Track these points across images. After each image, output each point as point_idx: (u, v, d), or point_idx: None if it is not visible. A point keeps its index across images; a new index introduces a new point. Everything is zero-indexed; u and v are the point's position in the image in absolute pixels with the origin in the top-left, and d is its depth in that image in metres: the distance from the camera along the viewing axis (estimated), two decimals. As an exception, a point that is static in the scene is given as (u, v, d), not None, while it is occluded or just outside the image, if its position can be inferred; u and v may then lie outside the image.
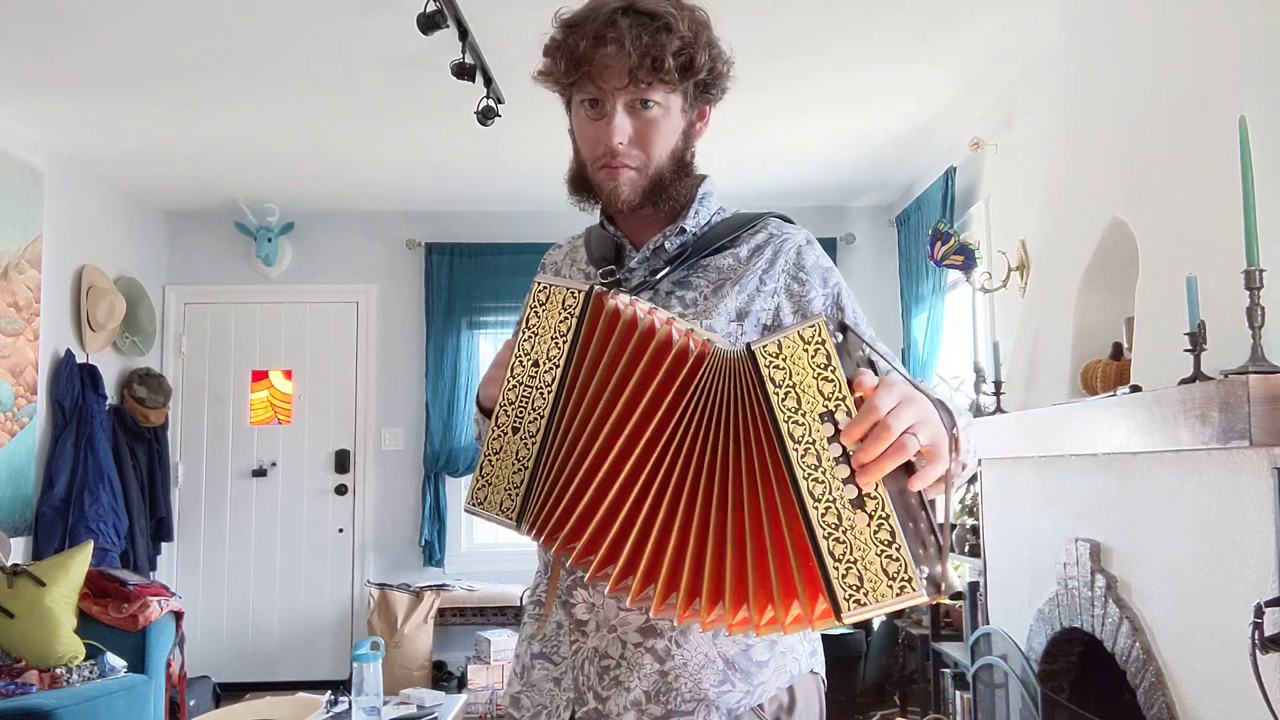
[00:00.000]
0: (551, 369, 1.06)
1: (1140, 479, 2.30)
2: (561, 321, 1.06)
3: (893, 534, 0.87)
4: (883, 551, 0.87)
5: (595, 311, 1.05)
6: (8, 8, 3.12)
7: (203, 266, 5.58)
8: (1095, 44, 2.80)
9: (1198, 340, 1.93)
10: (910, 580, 0.86)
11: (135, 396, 5.01)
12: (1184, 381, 1.91)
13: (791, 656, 1.20)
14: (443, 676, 5.08)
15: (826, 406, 0.90)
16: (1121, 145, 2.58)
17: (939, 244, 3.82)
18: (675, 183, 1.23)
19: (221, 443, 5.49)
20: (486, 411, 1.20)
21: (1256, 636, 1.75)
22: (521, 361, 1.07)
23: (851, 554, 0.88)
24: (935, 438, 0.92)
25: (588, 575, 1.01)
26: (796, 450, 0.91)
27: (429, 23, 3.03)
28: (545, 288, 1.08)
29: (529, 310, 1.08)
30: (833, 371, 0.91)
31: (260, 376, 5.56)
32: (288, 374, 5.56)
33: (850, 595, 0.87)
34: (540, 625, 1.23)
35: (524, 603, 1.32)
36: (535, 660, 1.22)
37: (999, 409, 3.12)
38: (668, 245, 1.25)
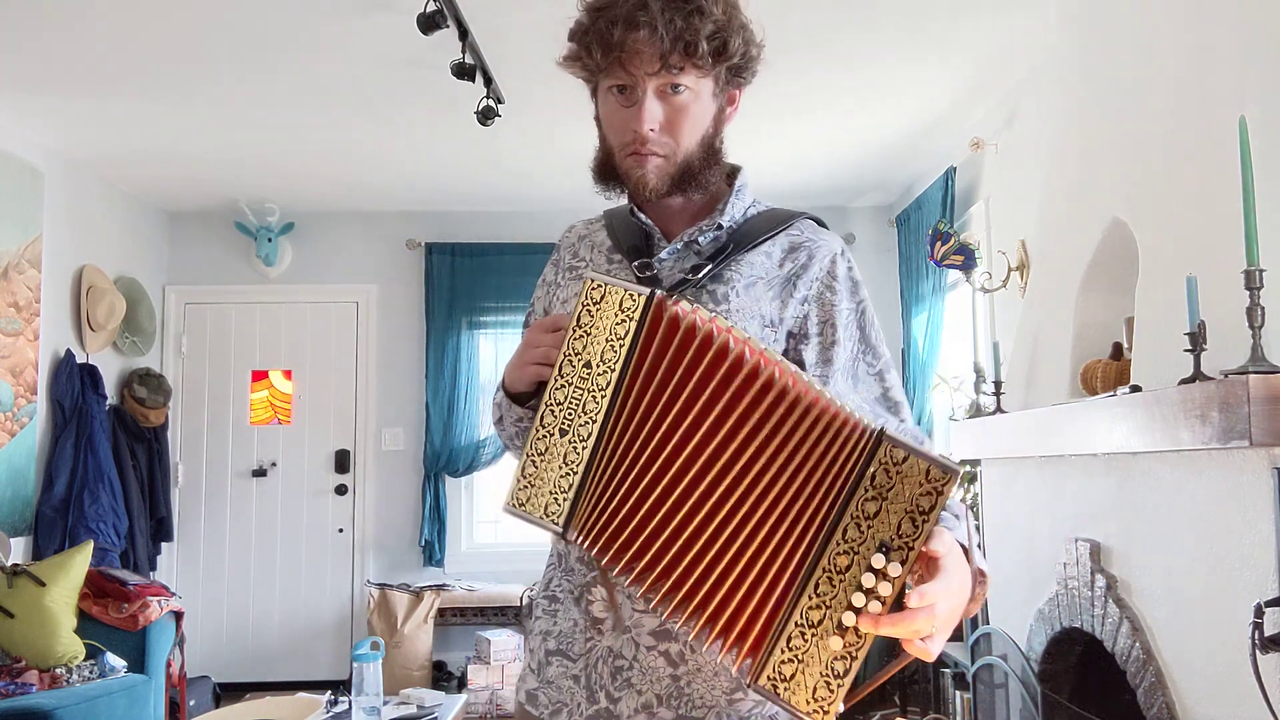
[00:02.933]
0: (606, 372, 1.02)
1: (1140, 479, 2.30)
2: (619, 324, 1.03)
3: (846, 671, 0.91)
4: (827, 676, 0.91)
5: (656, 317, 1.02)
6: (8, 7, 3.12)
7: (203, 266, 5.58)
8: (1096, 45, 2.80)
9: (1198, 340, 1.92)
10: (825, 712, 0.91)
11: (135, 396, 5.01)
12: (1184, 381, 1.91)
13: None
14: (443, 676, 5.09)
15: (892, 541, 0.90)
16: (1122, 145, 2.58)
17: (939, 244, 3.83)
18: (704, 170, 1.20)
19: (221, 443, 5.49)
20: (514, 396, 1.18)
21: (1256, 636, 1.75)
22: (571, 361, 1.03)
23: (804, 655, 0.91)
24: (952, 623, 0.93)
25: (639, 592, 0.99)
26: (839, 546, 0.92)
27: (429, 23, 3.03)
28: (600, 286, 1.04)
29: (580, 308, 1.04)
30: (924, 521, 0.90)
31: (260, 376, 5.56)
32: (288, 374, 5.56)
33: (773, 678, 0.92)
34: (562, 615, 1.22)
35: (534, 598, 1.30)
36: (551, 656, 1.20)
37: (999, 409, 3.12)
38: (701, 239, 1.23)
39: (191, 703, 4.43)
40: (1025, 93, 3.67)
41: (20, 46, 3.41)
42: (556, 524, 1.01)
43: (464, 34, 3.27)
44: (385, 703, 3.01)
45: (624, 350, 1.02)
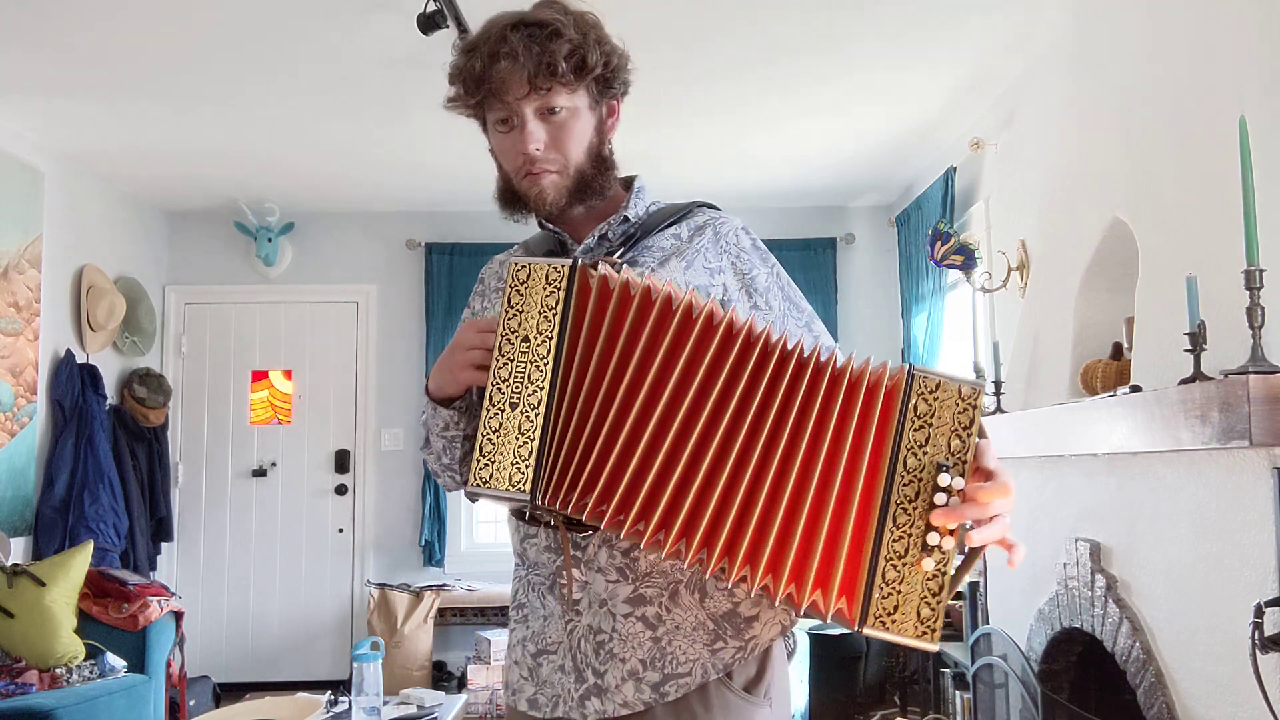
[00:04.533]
0: (545, 341, 1.06)
1: (1140, 479, 2.30)
2: (548, 295, 1.07)
3: (941, 588, 0.96)
4: (926, 598, 0.96)
5: (584, 282, 1.08)
6: (8, 7, 3.12)
7: (203, 266, 5.58)
8: (1095, 44, 2.80)
9: (1198, 340, 1.92)
10: (934, 631, 0.95)
11: (135, 396, 5.01)
12: (1184, 381, 1.91)
13: (780, 609, 1.22)
14: (443, 676, 5.09)
15: (949, 459, 0.98)
16: (1122, 145, 2.58)
17: (939, 244, 3.83)
18: (598, 178, 1.27)
19: (221, 443, 5.49)
20: (440, 401, 1.22)
21: (1256, 636, 1.75)
22: (510, 339, 1.07)
23: (901, 585, 0.96)
24: (1007, 522, 1.00)
25: (622, 534, 1.02)
26: (904, 478, 0.98)
27: (429, 23, 3.03)
28: (524, 266, 1.09)
29: (510, 290, 1.08)
30: (969, 435, 0.98)
31: (260, 376, 5.56)
32: (288, 374, 5.56)
33: (880, 615, 0.96)
34: (549, 614, 1.24)
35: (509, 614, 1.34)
36: (539, 659, 1.23)
37: (999, 409, 3.12)
38: (610, 234, 1.29)
39: (191, 703, 4.43)
40: (1025, 92, 3.66)
41: (21, 47, 3.41)
42: (522, 491, 1.02)
43: (464, 34, 3.27)
44: (385, 703, 3.01)
45: (558, 318, 1.07)
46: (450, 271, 5.50)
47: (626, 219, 1.30)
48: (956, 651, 3.67)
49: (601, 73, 1.23)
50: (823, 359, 1.02)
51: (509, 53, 1.17)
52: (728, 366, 1.02)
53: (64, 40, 3.36)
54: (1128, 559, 2.37)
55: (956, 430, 0.98)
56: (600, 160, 1.28)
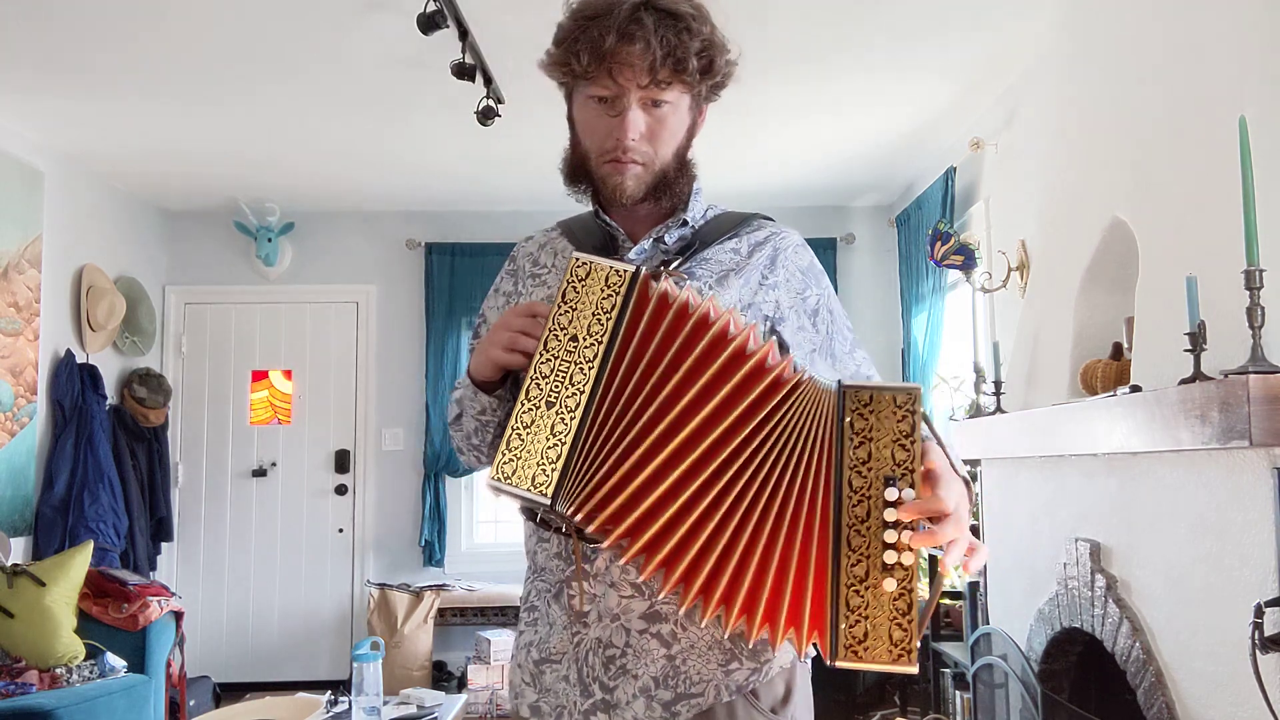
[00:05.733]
0: (593, 345, 1.03)
1: (1140, 479, 2.30)
2: (605, 298, 1.04)
3: (909, 606, 0.92)
4: (896, 619, 0.92)
5: (643, 292, 1.04)
6: (8, 7, 3.12)
7: (202, 266, 5.57)
8: (1095, 44, 2.80)
9: (1198, 340, 1.92)
10: (910, 652, 0.92)
11: (135, 396, 5.01)
12: (1184, 381, 1.91)
13: None
14: (443, 676, 5.09)
15: (894, 471, 0.94)
16: (1121, 145, 2.58)
17: (939, 244, 3.83)
18: (677, 179, 1.23)
19: (221, 443, 5.49)
20: (480, 385, 1.18)
21: (1256, 636, 1.75)
22: (557, 336, 1.03)
23: (866, 610, 0.93)
24: (966, 522, 0.97)
25: (623, 559, 1.00)
26: (851, 499, 0.95)
27: (429, 23, 3.03)
28: (585, 263, 1.06)
29: (566, 284, 1.05)
30: (911, 443, 0.95)
31: (260, 376, 5.56)
32: (288, 374, 5.56)
33: (850, 645, 0.92)
34: (554, 622, 1.22)
35: (519, 610, 1.32)
36: (541, 666, 1.21)
37: (999, 409, 3.12)
38: (668, 238, 1.26)
39: (191, 703, 4.43)
40: (1025, 92, 3.66)
41: (21, 47, 3.41)
42: (544, 494, 0.99)
43: (464, 34, 3.27)
44: (385, 703, 3.01)
45: (611, 323, 1.03)
46: (450, 271, 5.50)
47: (685, 223, 1.26)
48: (956, 651, 3.67)
49: (719, 79, 1.20)
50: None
51: (643, 35, 1.11)
52: (759, 416, 1.00)
53: (64, 40, 3.36)
54: (1127, 559, 2.37)
55: (899, 440, 0.95)
56: (683, 163, 1.24)
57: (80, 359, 4.64)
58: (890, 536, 0.93)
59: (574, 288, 1.05)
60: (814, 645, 0.97)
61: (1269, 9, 1.98)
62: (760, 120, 4.18)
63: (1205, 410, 1.80)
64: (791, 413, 0.99)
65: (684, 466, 0.99)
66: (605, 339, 1.03)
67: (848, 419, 0.96)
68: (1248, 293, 1.77)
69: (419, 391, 5.50)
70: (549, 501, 0.99)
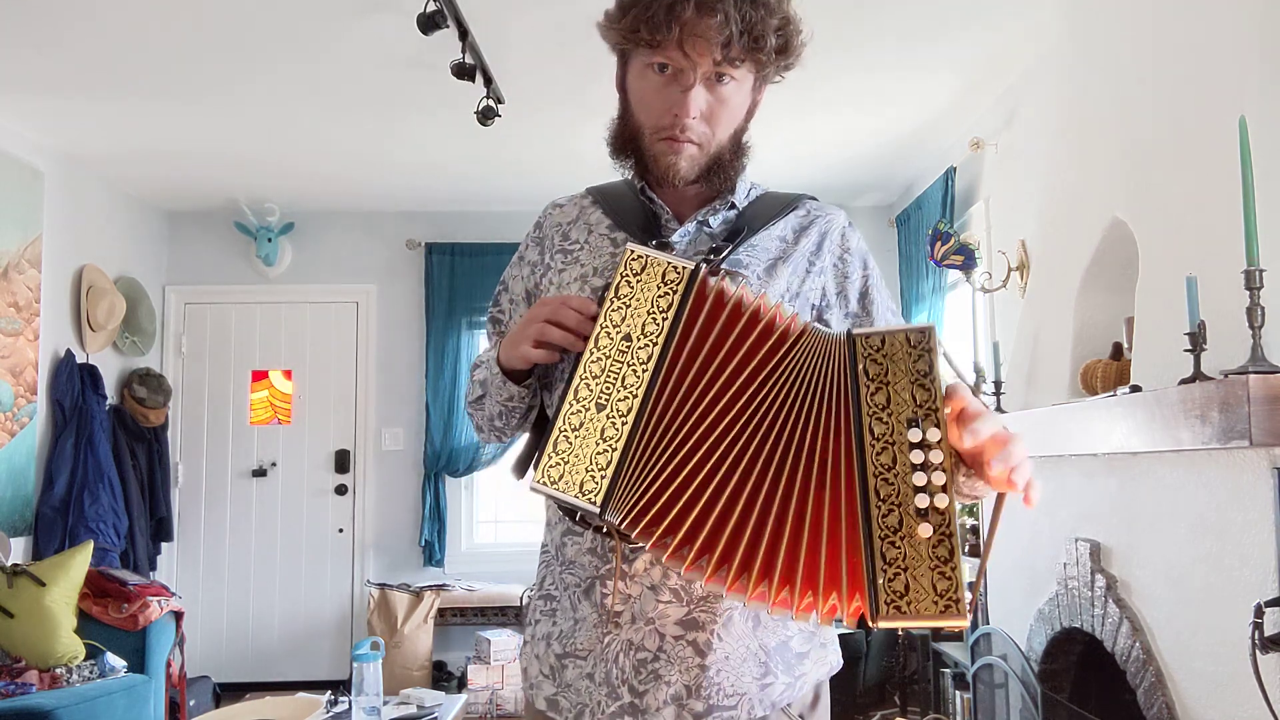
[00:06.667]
0: (648, 346, 0.98)
1: (1140, 479, 2.30)
2: (661, 296, 0.99)
3: (950, 552, 0.86)
4: (936, 567, 0.86)
5: (701, 291, 1.00)
6: (7, 7, 3.12)
7: (203, 266, 5.57)
8: (1095, 44, 2.80)
9: (1198, 340, 1.92)
10: (957, 602, 0.85)
11: (135, 396, 5.01)
12: (1184, 381, 1.91)
13: (832, 648, 1.20)
14: (443, 676, 5.08)
15: (916, 413, 0.90)
16: (1121, 145, 2.58)
17: (939, 244, 3.83)
18: (733, 163, 1.19)
19: (221, 443, 5.49)
20: (512, 375, 1.15)
21: (1256, 636, 1.75)
22: (609, 334, 0.99)
23: (904, 561, 0.87)
24: (1019, 446, 0.92)
25: (684, 568, 0.95)
26: (874, 447, 0.90)
27: (429, 23, 3.03)
28: (640, 257, 1.01)
29: (620, 279, 1.00)
30: (930, 381, 0.90)
31: (260, 376, 5.56)
32: (288, 374, 5.56)
33: (892, 601, 0.86)
34: (584, 618, 1.18)
35: (531, 600, 1.27)
36: (564, 660, 1.17)
37: (999, 409, 3.12)
38: (713, 220, 1.21)
39: (191, 703, 4.43)
40: (1025, 92, 3.66)
41: (21, 46, 3.41)
42: (594, 503, 0.95)
43: (464, 34, 3.27)
44: (385, 703, 3.01)
45: (668, 324, 0.98)
46: (450, 271, 5.50)
47: (733, 205, 1.21)
48: (956, 651, 3.67)
49: (791, 60, 1.14)
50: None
51: (722, 8, 1.05)
52: (804, 418, 0.96)
53: (64, 40, 3.36)
54: (1127, 559, 2.37)
55: (917, 380, 0.90)
56: (739, 146, 1.19)
57: (80, 359, 4.65)
58: (920, 479, 0.87)
59: (628, 282, 1.00)
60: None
61: (1269, 9, 1.98)
62: (760, 120, 4.17)
63: (1205, 410, 1.80)
64: (797, 363, 0.96)
65: (717, 453, 0.96)
66: (661, 339, 0.98)
67: (861, 365, 0.92)
68: (1248, 293, 1.77)
69: (419, 391, 5.50)
70: (598, 510, 0.95)
